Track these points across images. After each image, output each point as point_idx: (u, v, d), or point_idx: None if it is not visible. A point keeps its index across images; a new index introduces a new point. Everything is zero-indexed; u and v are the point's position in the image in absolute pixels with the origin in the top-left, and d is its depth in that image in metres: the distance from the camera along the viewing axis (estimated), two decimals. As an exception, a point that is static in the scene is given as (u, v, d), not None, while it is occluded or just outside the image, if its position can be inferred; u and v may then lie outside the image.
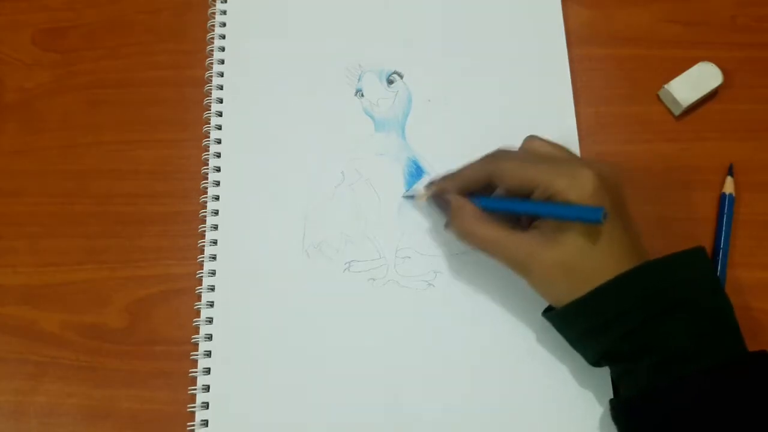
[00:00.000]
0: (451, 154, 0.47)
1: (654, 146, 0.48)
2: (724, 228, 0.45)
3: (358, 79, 0.49)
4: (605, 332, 0.36)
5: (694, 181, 0.47)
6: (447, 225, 0.42)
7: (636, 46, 0.50)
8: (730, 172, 0.47)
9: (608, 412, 0.41)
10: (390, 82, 0.49)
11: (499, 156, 0.40)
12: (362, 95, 0.49)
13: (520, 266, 0.38)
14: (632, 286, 0.36)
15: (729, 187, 0.46)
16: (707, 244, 0.45)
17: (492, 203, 0.40)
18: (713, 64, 0.48)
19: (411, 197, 0.46)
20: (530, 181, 0.37)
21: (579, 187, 0.36)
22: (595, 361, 0.39)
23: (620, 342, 0.36)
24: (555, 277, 0.37)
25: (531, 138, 0.41)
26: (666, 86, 0.48)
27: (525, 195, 0.38)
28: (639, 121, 0.49)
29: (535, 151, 0.40)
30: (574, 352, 0.42)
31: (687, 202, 0.46)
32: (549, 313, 0.40)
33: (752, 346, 0.36)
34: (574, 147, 0.47)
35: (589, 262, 0.36)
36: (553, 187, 0.36)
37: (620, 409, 0.38)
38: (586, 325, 0.37)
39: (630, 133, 0.48)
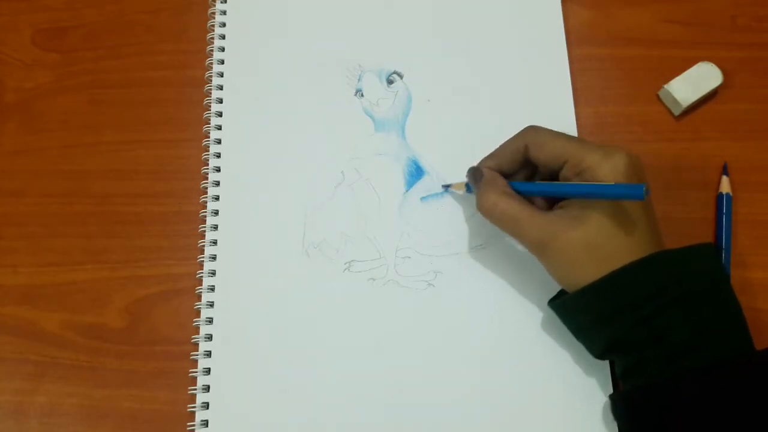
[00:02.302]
0: (451, 154, 0.47)
1: (654, 146, 0.48)
2: (724, 228, 0.45)
3: (358, 79, 0.49)
4: (619, 318, 0.36)
5: (694, 181, 0.47)
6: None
7: (636, 46, 0.50)
8: (725, 171, 0.47)
9: (606, 412, 0.41)
10: (390, 82, 0.49)
11: (534, 127, 0.41)
12: (362, 95, 0.49)
13: (540, 246, 0.38)
14: (651, 272, 0.36)
15: (725, 186, 0.46)
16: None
17: (528, 187, 0.40)
18: (713, 64, 0.48)
19: (448, 186, 0.46)
20: (563, 153, 0.38)
21: (611, 164, 0.36)
22: (601, 352, 0.39)
23: (632, 329, 0.36)
24: (576, 257, 0.37)
25: None
26: (666, 86, 0.48)
27: (556, 168, 0.39)
28: (639, 121, 0.49)
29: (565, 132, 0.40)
30: (574, 350, 0.42)
31: (687, 202, 0.46)
32: (560, 299, 0.39)
33: (755, 345, 0.36)
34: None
35: (613, 243, 0.36)
36: (585, 162, 0.37)
37: (623, 401, 0.38)
38: (600, 310, 0.37)
39: (630, 133, 0.48)
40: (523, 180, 0.42)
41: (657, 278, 0.35)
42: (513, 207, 0.38)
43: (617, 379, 0.41)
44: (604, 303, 0.36)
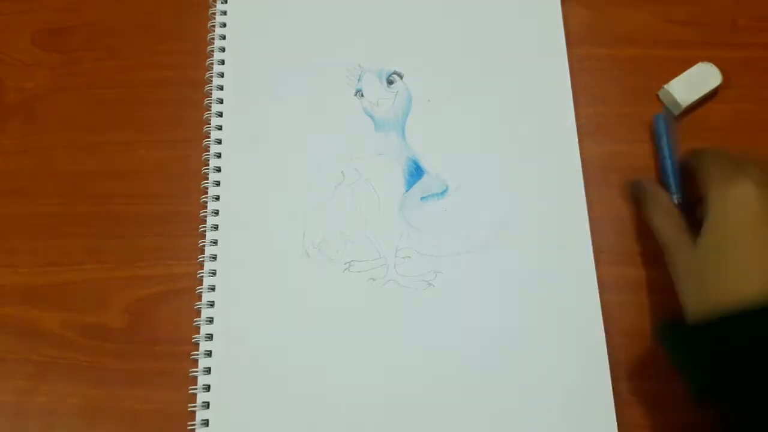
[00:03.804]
0: (451, 154, 0.47)
1: (653, 146, 0.48)
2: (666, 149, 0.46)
3: (358, 79, 0.49)
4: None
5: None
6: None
7: (636, 46, 0.50)
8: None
9: (605, 409, 0.41)
10: (390, 82, 0.49)
11: (708, 151, 0.41)
12: (362, 95, 0.49)
13: (677, 273, 0.38)
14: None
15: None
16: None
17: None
18: (712, 65, 0.48)
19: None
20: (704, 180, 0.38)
21: (732, 201, 0.36)
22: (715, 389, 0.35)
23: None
24: (704, 290, 0.35)
25: None
26: (666, 86, 0.48)
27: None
28: (639, 121, 0.48)
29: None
30: (574, 350, 0.42)
31: (687, 202, 0.47)
32: (683, 324, 0.37)
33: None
34: (574, 147, 0.47)
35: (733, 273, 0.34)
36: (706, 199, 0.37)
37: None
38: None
39: (630, 133, 0.48)
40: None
41: None
42: (665, 226, 0.39)
43: (613, 382, 0.41)
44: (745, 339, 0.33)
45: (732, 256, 0.34)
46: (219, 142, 0.48)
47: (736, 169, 0.37)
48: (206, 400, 0.42)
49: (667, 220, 0.39)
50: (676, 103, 0.47)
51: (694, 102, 0.47)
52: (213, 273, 0.45)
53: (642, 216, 0.42)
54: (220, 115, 0.49)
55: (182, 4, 0.52)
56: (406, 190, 0.47)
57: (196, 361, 0.43)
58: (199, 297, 0.45)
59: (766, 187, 0.35)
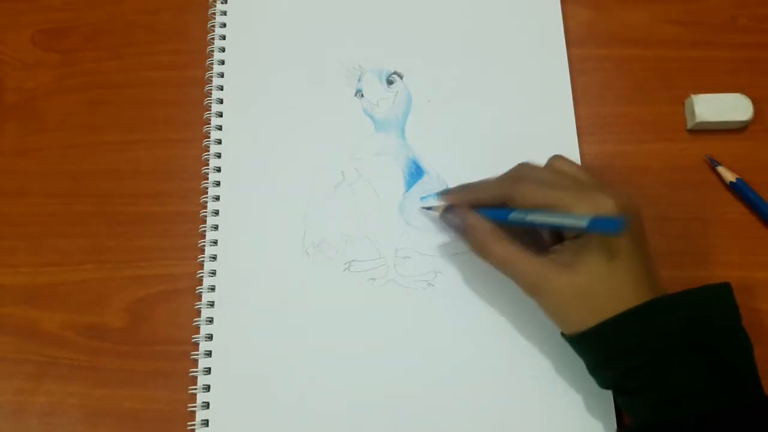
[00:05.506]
0: (451, 154, 0.47)
1: (653, 146, 0.48)
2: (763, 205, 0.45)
3: (358, 80, 0.49)
4: (610, 367, 0.36)
5: (693, 180, 0.47)
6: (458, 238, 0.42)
7: (636, 46, 0.50)
8: (715, 164, 0.46)
9: (604, 404, 0.41)
10: (390, 82, 0.49)
11: (518, 177, 0.39)
12: (362, 95, 0.49)
13: (533, 288, 0.38)
14: (640, 323, 0.35)
15: (729, 175, 0.46)
16: (711, 244, 0.46)
17: (502, 215, 0.39)
18: (749, 100, 0.47)
19: (429, 209, 0.45)
20: (549, 206, 0.37)
21: (596, 210, 0.35)
22: (604, 387, 0.39)
23: (623, 379, 0.36)
24: (567, 304, 0.36)
25: (555, 158, 0.40)
26: (692, 96, 0.47)
27: None
28: (638, 121, 0.48)
29: (559, 171, 0.39)
30: (574, 352, 0.42)
31: (687, 202, 0.46)
32: (565, 337, 0.39)
33: (755, 345, 0.36)
34: (574, 147, 0.47)
35: (604, 291, 0.35)
36: (574, 211, 0.36)
37: None
38: (594, 357, 0.37)
39: (629, 133, 0.48)
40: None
41: (653, 326, 0.35)
42: (505, 250, 0.38)
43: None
44: (595, 352, 0.37)
45: (615, 276, 0.36)
46: (219, 142, 0.48)
47: (589, 190, 0.37)
48: (206, 400, 0.42)
49: (506, 246, 0.38)
50: (692, 114, 0.47)
51: (711, 122, 0.47)
52: (213, 273, 0.45)
53: (475, 246, 0.40)
54: (220, 115, 0.49)
55: (182, 4, 0.52)
56: (406, 191, 0.47)
57: (196, 361, 0.43)
58: (199, 297, 0.45)
59: (623, 204, 0.36)
